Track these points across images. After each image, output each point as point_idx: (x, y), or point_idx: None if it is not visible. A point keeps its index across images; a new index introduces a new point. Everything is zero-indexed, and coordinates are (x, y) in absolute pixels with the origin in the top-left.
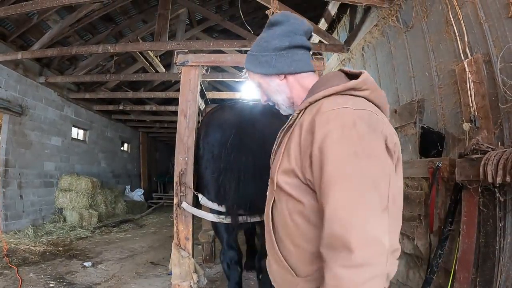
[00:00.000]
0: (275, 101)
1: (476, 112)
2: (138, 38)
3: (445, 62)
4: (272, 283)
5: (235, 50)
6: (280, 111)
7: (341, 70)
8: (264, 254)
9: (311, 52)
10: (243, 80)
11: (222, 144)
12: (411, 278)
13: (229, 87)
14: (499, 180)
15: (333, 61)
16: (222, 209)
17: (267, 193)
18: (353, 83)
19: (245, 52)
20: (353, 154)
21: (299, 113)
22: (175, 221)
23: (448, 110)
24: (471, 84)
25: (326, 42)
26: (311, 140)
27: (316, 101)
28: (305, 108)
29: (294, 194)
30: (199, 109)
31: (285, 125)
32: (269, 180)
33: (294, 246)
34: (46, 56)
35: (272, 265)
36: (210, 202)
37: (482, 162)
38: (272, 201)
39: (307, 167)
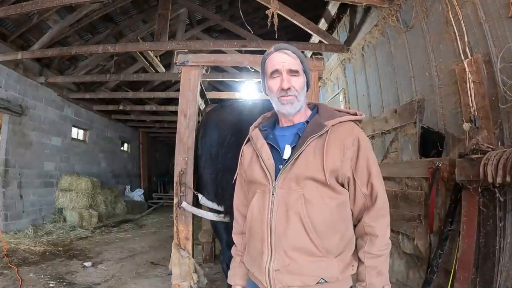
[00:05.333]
0: (300, 97)
1: (476, 112)
2: (138, 38)
3: (445, 62)
4: (288, 275)
5: (235, 50)
6: (291, 105)
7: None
8: None
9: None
10: (243, 80)
11: (219, 144)
12: (411, 278)
13: (229, 87)
14: (499, 180)
15: (333, 61)
16: (221, 208)
17: (291, 191)
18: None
19: (245, 52)
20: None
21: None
22: (175, 221)
23: (448, 110)
24: (471, 84)
25: (326, 42)
26: (357, 150)
27: (340, 122)
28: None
29: (338, 189)
30: (199, 109)
31: (313, 133)
32: (300, 179)
33: (335, 232)
34: (46, 56)
35: (298, 258)
36: (210, 202)
37: (482, 162)
38: (303, 197)
39: (348, 168)
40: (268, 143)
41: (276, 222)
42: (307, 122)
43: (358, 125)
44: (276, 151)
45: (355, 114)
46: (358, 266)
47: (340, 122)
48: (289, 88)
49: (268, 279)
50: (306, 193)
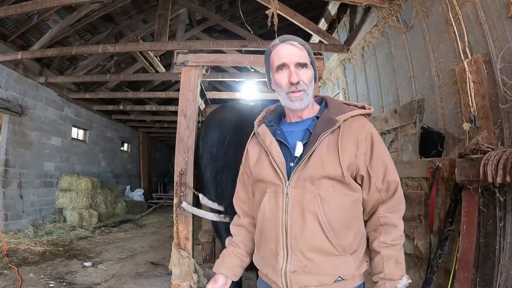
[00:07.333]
0: (309, 91)
1: (476, 112)
2: (138, 38)
3: (445, 62)
4: (306, 276)
5: (235, 50)
6: (301, 101)
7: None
8: None
9: None
10: (243, 80)
11: (220, 143)
12: (411, 278)
13: (229, 87)
14: (499, 180)
15: (333, 61)
16: (222, 208)
17: (306, 191)
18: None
19: (245, 52)
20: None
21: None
22: (175, 221)
23: (448, 110)
24: (471, 84)
25: (326, 42)
26: (371, 145)
27: (351, 116)
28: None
29: (353, 186)
30: (199, 109)
31: (325, 130)
32: (315, 178)
33: (349, 230)
34: (46, 56)
35: (315, 258)
36: (211, 202)
37: (482, 162)
38: (319, 197)
39: (362, 163)
40: (277, 140)
41: (292, 223)
42: (317, 117)
43: (367, 118)
44: (285, 148)
45: (363, 107)
46: (373, 258)
47: (351, 116)
48: (298, 82)
49: (284, 280)
50: (321, 193)
